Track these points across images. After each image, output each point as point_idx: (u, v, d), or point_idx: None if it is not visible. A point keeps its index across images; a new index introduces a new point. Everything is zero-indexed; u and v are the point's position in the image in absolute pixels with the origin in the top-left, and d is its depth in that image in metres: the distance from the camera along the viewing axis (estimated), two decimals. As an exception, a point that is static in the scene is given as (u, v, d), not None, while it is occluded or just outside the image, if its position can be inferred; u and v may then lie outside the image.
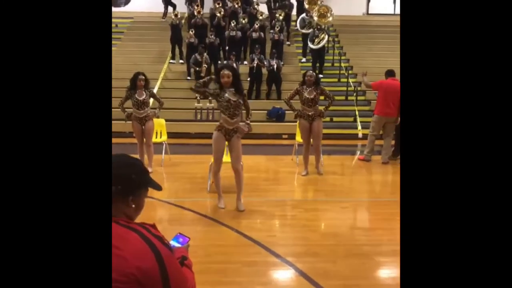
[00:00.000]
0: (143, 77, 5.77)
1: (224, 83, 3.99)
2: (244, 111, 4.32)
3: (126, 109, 5.88)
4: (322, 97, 5.77)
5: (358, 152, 8.76)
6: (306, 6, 11.18)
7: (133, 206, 1.41)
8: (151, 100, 6.07)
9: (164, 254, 1.30)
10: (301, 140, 6.54)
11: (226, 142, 4.23)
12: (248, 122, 4.28)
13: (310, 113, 5.68)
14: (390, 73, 6.87)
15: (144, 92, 5.77)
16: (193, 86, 4.12)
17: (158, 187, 1.53)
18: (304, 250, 3.37)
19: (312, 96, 5.65)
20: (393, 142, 6.96)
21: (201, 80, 4.12)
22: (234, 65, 10.04)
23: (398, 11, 14.53)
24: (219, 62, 10.98)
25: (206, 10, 12.34)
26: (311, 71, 5.90)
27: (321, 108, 5.79)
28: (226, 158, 4.44)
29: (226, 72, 4.02)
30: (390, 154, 6.85)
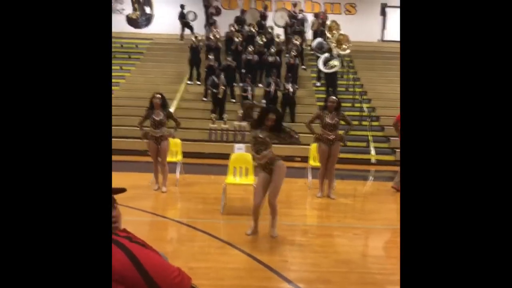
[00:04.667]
0: (159, 96, 5.87)
1: (267, 124, 4.07)
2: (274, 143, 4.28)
3: (143, 127, 6.01)
4: (342, 122, 5.85)
5: (371, 178, 8.73)
6: (328, 33, 11.33)
7: None
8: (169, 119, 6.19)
9: (135, 250, 1.30)
10: (314, 164, 6.59)
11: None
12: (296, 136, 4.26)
13: (330, 138, 5.75)
14: None
15: (161, 113, 5.89)
16: (246, 104, 4.41)
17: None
18: (316, 277, 3.36)
19: (333, 122, 5.74)
20: None
21: (257, 104, 4.34)
22: (249, 88, 10.23)
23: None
24: (234, 84, 11.18)
25: (222, 32, 12.66)
26: (333, 97, 5.98)
27: (341, 132, 5.86)
28: (244, 180, 4.46)
29: (271, 116, 4.04)
30: None
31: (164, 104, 5.94)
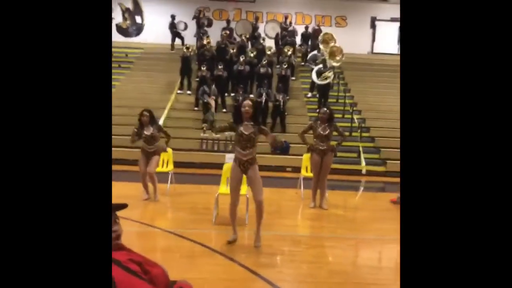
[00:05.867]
0: (147, 114, 5.92)
1: (244, 113, 4.07)
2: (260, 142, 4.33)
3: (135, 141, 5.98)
4: (335, 133, 5.88)
5: (362, 188, 8.75)
6: (321, 46, 11.44)
7: None
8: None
9: (118, 278, 1.29)
10: (306, 174, 6.58)
11: (244, 176, 4.22)
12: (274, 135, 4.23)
13: (322, 148, 5.76)
14: None
15: (151, 128, 5.90)
16: (214, 131, 4.26)
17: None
18: (312, 287, 3.32)
19: (326, 133, 5.78)
20: None
21: (218, 126, 4.35)
22: (241, 98, 10.22)
23: (401, 51, 14.88)
24: (226, 94, 11.18)
25: (212, 42, 12.70)
26: (325, 108, 6.02)
27: (333, 143, 5.88)
28: (243, 190, 4.43)
29: (247, 102, 4.12)
30: None
31: (152, 120, 5.99)
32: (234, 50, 11.74)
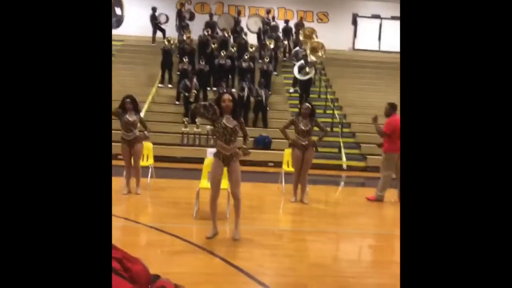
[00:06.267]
0: (129, 100, 5.82)
1: (225, 107, 4.03)
2: (242, 137, 4.35)
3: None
4: (316, 128, 5.92)
5: (342, 183, 8.86)
6: (301, 38, 11.52)
7: None
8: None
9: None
10: (287, 169, 6.62)
11: (225, 168, 4.22)
12: (245, 147, 4.30)
13: (304, 143, 5.80)
14: (395, 108, 6.33)
15: (134, 115, 5.80)
16: (193, 107, 4.15)
17: None
18: (292, 281, 3.35)
19: (307, 128, 5.81)
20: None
21: (202, 103, 4.15)
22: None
23: (382, 48, 15.08)
24: (208, 88, 11.11)
25: (195, 36, 12.59)
26: (307, 104, 6.04)
27: (315, 138, 5.92)
28: (224, 184, 4.42)
29: (227, 96, 4.08)
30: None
31: (136, 107, 5.87)
32: (215, 45, 11.67)
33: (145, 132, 5.99)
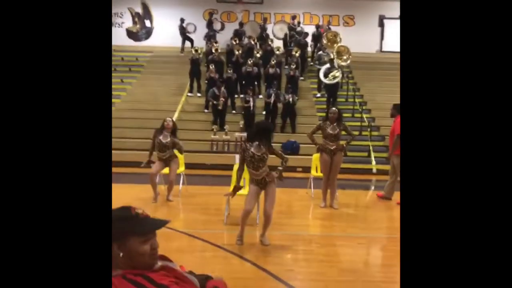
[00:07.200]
0: (170, 119, 6.14)
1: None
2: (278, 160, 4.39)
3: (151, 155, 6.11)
4: (344, 132, 5.91)
5: (373, 187, 8.75)
6: (324, 41, 11.50)
7: (121, 254, 1.36)
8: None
9: None
10: (316, 174, 6.62)
11: (262, 191, 4.29)
12: (281, 169, 4.33)
13: (332, 148, 5.81)
14: (399, 110, 6.44)
15: (169, 137, 6.01)
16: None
17: (151, 227, 1.43)
18: (323, 286, 3.37)
19: (335, 132, 5.81)
20: None
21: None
22: (251, 99, 10.28)
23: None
24: (235, 96, 11.26)
25: (222, 44, 12.81)
26: (334, 108, 6.03)
27: (343, 142, 5.91)
28: (247, 190, 4.50)
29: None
30: None
31: (174, 130, 6.08)
32: (240, 52, 11.84)
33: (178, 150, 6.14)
